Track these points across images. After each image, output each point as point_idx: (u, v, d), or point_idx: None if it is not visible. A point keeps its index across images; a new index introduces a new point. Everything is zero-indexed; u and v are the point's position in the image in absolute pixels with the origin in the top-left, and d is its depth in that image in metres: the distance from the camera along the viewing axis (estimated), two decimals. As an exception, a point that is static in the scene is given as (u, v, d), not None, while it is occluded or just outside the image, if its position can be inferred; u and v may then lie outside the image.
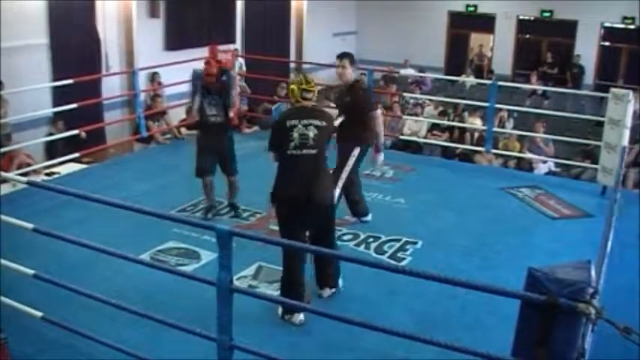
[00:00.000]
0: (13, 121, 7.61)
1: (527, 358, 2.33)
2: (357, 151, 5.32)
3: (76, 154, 7.19)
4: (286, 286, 4.10)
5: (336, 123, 4.82)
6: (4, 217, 3.67)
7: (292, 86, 4.14)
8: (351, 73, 5.37)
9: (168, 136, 9.12)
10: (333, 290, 4.34)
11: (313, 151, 4.02)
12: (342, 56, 5.40)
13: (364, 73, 10.31)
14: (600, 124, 7.17)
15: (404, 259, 5.05)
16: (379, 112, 5.47)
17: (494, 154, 8.68)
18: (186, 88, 9.03)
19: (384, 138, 5.83)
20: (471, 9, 15.51)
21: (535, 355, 2.29)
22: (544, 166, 9.01)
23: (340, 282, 4.39)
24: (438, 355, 3.01)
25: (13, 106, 7.86)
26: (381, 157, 5.57)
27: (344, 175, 5.30)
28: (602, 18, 14.11)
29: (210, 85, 5.53)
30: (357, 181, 5.58)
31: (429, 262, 4.82)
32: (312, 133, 3.99)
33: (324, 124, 4.07)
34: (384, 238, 5.34)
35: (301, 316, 4.02)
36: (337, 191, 5.20)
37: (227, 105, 5.59)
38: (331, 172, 4.56)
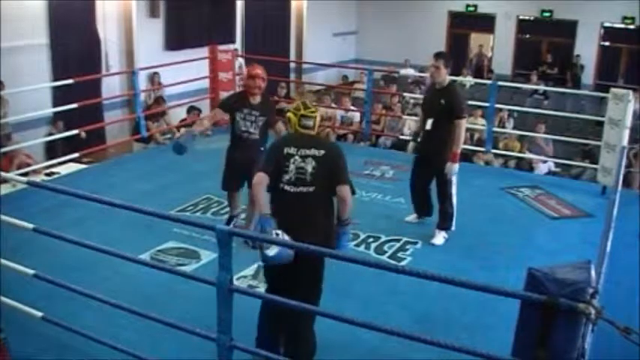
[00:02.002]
0: (13, 121, 7.62)
1: (527, 358, 2.33)
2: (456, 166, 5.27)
3: (76, 154, 7.18)
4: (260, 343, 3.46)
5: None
6: (4, 217, 3.67)
7: (289, 114, 3.55)
8: (445, 75, 5.18)
9: (168, 136, 9.13)
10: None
11: (310, 189, 3.38)
12: (437, 56, 5.23)
13: (364, 73, 10.32)
14: (600, 124, 7.18)
15: (404, 259, 5.05)
16: (465, 120, 5.28)
17: (494, 154, 8.68)
18: (186, 88, 9.09)
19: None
20: (471, 9, 15.52)
21: (535, 355, 2.29)
22: (544, 166, 9.02)
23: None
24: (438, 355, 3.00)
25: (13, 106, 7.86)
26: (456, 167, 5.25)
27: (451, 190, 5.34)
28: (602, 18, 14.12)
29: (251, 100, 5.00)
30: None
31: (429, 262, 4.82)
32: (309, 167, 3.38)
33: (322, 153, 3.41)
34: (384, 238, 5.34)
35: None
36: (454, 199, 5.37)
37: (269, 123, 5.05)
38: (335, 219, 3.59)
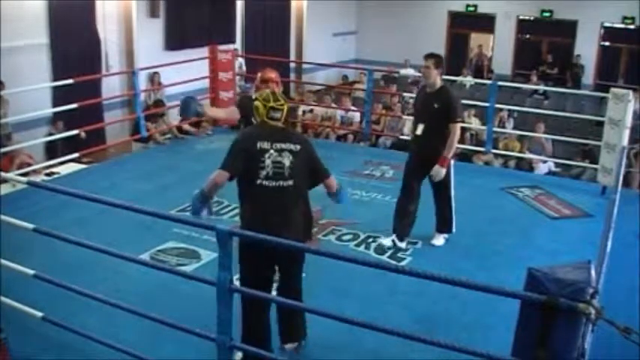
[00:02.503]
0: (13, 121, 7.62)
1: (527, 358, 2.33)
2: (452, 169, 5.15)
3: (76, 154, 7.19)
4: (247, 337, 3.42)
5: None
6: (4, 217, 3.67)
7: (257, 103, 3.45)
8: (436, 76, 4.96)
9: (168, 136, 9.13)
10: (299, 344, 3.72)
11: (289, 182, 3.35)
12: (427, 56, 5.01)
13: (364, 73, 10.32)
14: (600, 124, 7.18)
15: (404, 259, 5.05)
16: (459, 126, 5.07)
17: (494, 154, 8.68)
18: (186, 88, 9.09)
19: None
20: (471, 9, 15.52)
21: (535, 355, 2.29)
22: (544, 166, 9.02)
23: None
24: (438, 355, 3.00)
25: (13, 106, 7.86)
26: (443, 172, 5.02)
27: (450, 193, 5.22)
28: (602, 18, 14.12)
29: None
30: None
31: (429, 262, 4.82)
32: (287, 160, 3.34)
33: (298, 148, 3.39)
34: (384, 238, 5.33)
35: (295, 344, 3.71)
36: (453, 204, 5.26)
37: None
38: (313, 210, 3.75)
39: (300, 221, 3.49)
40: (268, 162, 3.31)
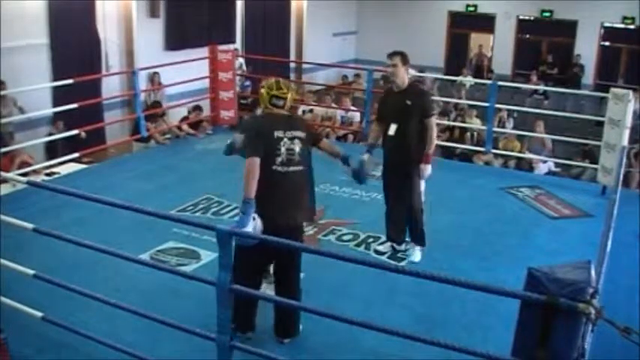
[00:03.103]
0: (13, 120, 7.61)
1: (526, 358, 2.33)
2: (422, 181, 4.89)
3: (76, 154, 7.19)
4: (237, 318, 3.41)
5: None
6: (4, 217, 3.67)
7: (262, 91, 3.70)
8: (404, 74, 4.77)
9: (168, 136, 9.13)
10: (294, 338, 3.83)
11: (300, 168, 3.62)
12: (393, 54, 4.78)
13: (358, 74, 10.31)
14: (600, 124, 7.18)
15: (404, 259, 5.05)
16: (435, 119, 4.89)
17: (494, 154, 8.68)
18: (186, 88, 9.09)
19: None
20: (471, 9, 15.52)
21: (535, 355, 2.29)
22: (544, 166, 9.02)
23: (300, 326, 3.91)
24: (438, 355, 3.01)
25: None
26: (429, 169, 4.87)
27: (420, 204, 4.90)
28: (602, 18, 14.12)
29: None
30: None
31: (429, 262, 4.82)
32: (297, 147, 3.60)
33: (304, 135, 3.66)
34: (384, 238, 5.33)
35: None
36: (422, 224, 4.91)
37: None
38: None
39: (307, 203, 3.76)
40: (283, 149, 3.56)
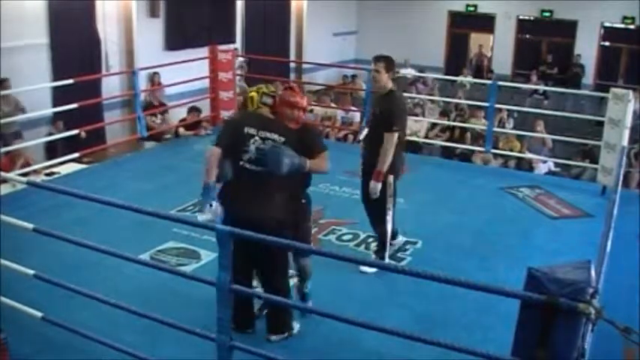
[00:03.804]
0: (14, 120, 7.61)
1: (526, 358, 2.33)
2: (390, 188, 4.66)
3: (76, 154, 7.19)
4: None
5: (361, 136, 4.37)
6: (4, 217, 3.67)
7: (252, 93, 3.74)
8: (387, 80, 4.57)
9: (169, 136, 9.14)
10: (284, 335, 3.82)
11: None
12: (378, 59, 4.61)
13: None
14: (600, 124, 7.18)
15: (404, 259, 5.05)
16: (395, 136, 4.51)
17: (494, 153, 8.69)
18: (186, 88, 9.09)
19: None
20: (471, 9, 15.52)
21: (535, 355, 2.29)
22: (544, 166, 9.02)
23: (296, 325, 3.90)
24: (438, 355, 3.01)
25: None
26: (378, 187, 4.56)
27: (386, 215, 4.66)
28: (602, 18, 14.11)
29: None
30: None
31: (429, 262, 4.81)
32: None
33: (282, 139, 3.55)
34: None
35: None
36: (388, 227, 4.68)
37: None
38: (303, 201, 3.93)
39: (276, 209, 3.59)
40: (252, 147, 3.54)
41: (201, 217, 3.62)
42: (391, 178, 4.63)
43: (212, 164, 3.57)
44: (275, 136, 3.56)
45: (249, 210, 3.51)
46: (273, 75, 10.55)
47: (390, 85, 4.62)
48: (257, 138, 3.55)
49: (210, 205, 3.56)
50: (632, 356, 3.24)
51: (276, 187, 3.60)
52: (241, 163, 3.56)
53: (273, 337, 3.79)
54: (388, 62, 4.60)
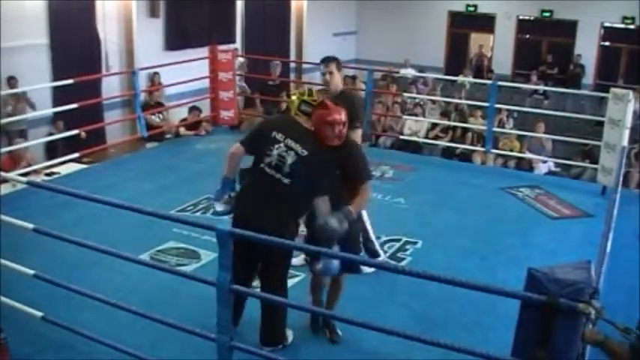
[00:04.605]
0: (14, 120, 7.61)
1: (526, 358, 2.33)
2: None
3: (76, 154, 7.18)
4: None
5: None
6: (4, 217, 3.68)
7: (294, 97, 3.67)
8: (339, 81, 4.46)
9: (169, 135, 9.13)
10: (278, 347, 3.65)
11: (286, 181, 3.41)
12: (327, 60, 4.43)
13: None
14: (600, 124, 7.17)
15: (404, 259, 5.05)
16: (360, 133, 4.24)
17: (494, 153, 8.68)
18: (186, 88, 9.09)
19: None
20: (471, 9, 15.51)
21: (535, 355, 2.29)
22: (544, 166, 9.02)
23: (290, 334, 3.79)
24: (438, 355, 3.01)
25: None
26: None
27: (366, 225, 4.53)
28: (602, 18, 14.11)
29: None
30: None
31: (429, 262, 4.81)
32: (290, 159, 3.42)
33: (305, 153, 3.42)
34: (384, 238, 5.33)
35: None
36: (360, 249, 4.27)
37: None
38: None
39: (286, 221, 3.47)
40: (275, 153, 3.45)
41: (217, 207, 3.66)
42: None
43: (232, 161, 3.61)
44: (299, 148, 3.43)
45: (259, 214, 3.41)
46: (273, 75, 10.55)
47: (341, 84, 4.51)
48: (282, 145, 3.45)
49: (229, 196, 3.59)
50: None
51: (287, 201, 3.46)
52: (262, 165, 3.47)
53: (266, 349, 3.53)
54: (338, 62, 4.50)
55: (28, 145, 7.30)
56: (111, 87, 9.60)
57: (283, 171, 3.42)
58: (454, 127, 9.95)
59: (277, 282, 3.61)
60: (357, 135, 4.28)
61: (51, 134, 8.14)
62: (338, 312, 2.98)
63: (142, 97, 8.89)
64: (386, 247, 5.24)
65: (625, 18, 13.84)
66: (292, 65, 13.87)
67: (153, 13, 10.51)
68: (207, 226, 3.07)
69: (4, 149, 6.87)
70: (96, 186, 5.97)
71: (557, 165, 8.97)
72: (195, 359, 3.45)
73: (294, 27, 14.18)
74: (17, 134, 7.65)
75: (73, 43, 9.14)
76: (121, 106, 10.00)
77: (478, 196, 6.59)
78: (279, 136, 3.47)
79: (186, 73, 8.68)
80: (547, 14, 14.76)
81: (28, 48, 8.53)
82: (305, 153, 3.43)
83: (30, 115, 7.65)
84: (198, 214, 5.86)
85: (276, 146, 3.45)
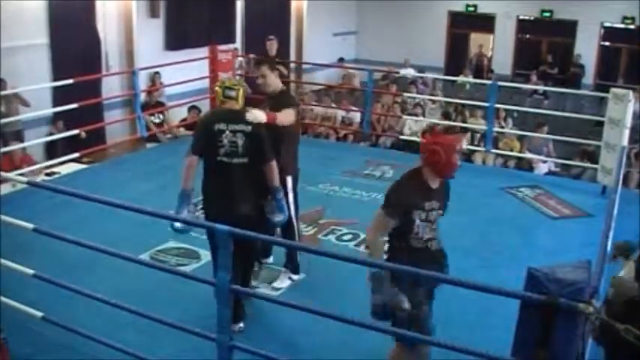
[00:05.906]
0: (14, 120, 7.60)
1: (526, 358, 2.33)
2: (290, 184, 4.44)
3: (76, 154, 7.19)
4: None
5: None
6: (4, 217, 3.68)
7: (216, 88, 3.93)
8: (276, 79, 4.40)
9: (169, 135, 9.13)
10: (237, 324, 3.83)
11: (244, 160, 3.79)
12: (259, 63, 4.48)
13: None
14: (600, 124, 7.18)
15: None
16: (293, 113, 4.28)
17: (494, 153, 8.68)
18: (186, 88, 9.09)
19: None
20: (471, 9, 15.51)
21: (535, 355, 2.29)
22: (544, 166, 9.02)
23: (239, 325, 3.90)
24: (438, 355, 3.01)
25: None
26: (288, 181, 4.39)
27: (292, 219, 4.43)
28: (602, 18, 14.11)
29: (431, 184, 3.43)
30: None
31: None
32: (240, 140, 3.76)
33: (249, 129, 3.77)
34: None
35: (240, 324, 3.90)
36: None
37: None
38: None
39: (253, 196, 3.87)
40: (225, 141, 3.77)
41: (176, 224, 3.90)
42: (289, 180, 4.43)
43: (190, 172, 3.87)
44: (243, 127, 3.78)
45: (231, 201, 3.76)
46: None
47: (280, 83, 4.47)
48: (228, 132, 3.76)
49: (188, 212, 3.83)
50: None
51: (255, 176, 3.84)
52: (218, 158, 3.77)
53: (235, 327, 3.71)
54: (270, 63, 4.50)
55: (27, 145, 7.28)
56: (111, 87, 9.60)
57: (239, 153, 3.77)
58: (454, 127, 9.92)
59: (252, 261, 4.16)
60: (290, 114, 4.28)
61: (51, 134, 8.14)
62: (338, 312, 2.97)
63: (142, 97, 8.90)
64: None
65: (625, 18, 13.83)
66: (292, 65, 13.86)
67: (153, 13, 10.50)
68: (207, 226, 3.07)
69: (2, 150, 6.84)
70: (96, 186, 5.97)
71: (557, 165, 8.97)
72: (195, 359, 3.45)
73: (294, 27, 14.18)
74: (12, 136, 7.62)
75: (73, 43, 9.13)
76: (120, 106, 9.98)
77: (478, 196, 6.59)
78: (222, 126, 3.77)
79: (186, 73, 8.68)
80: (547, 14, 14.76)
81: (28, 48, 8.53)
82: (249, 128, 3.79)
83: (26, 115, 7.63)
84: (198, 214, 5.85)
85: (224, 135, 3.76)
